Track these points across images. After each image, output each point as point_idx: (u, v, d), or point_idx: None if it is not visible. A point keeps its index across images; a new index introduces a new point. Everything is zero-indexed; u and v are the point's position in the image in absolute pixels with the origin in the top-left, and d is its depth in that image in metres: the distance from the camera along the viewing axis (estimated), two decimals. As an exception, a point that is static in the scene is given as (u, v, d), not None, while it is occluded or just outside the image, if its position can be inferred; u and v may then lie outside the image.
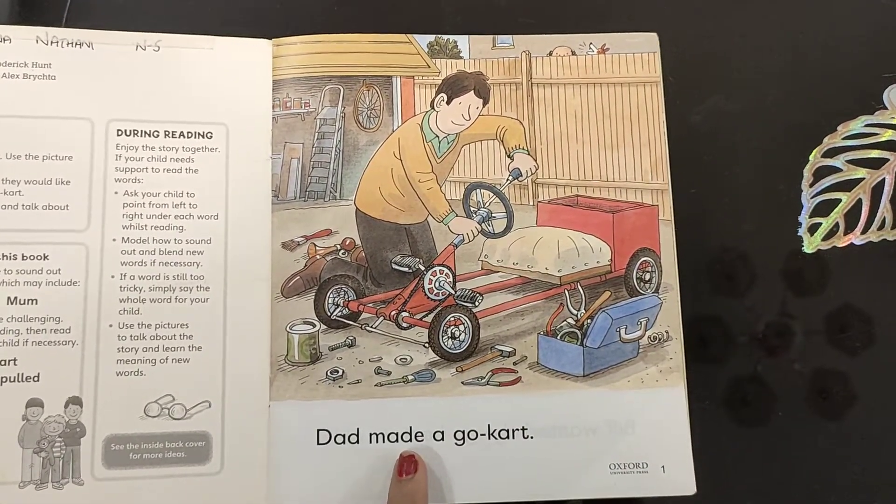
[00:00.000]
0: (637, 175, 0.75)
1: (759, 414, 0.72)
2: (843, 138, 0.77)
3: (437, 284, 0.74)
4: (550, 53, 0.77)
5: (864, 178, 0.76)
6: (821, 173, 0.76)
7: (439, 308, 0.73)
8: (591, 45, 0.77)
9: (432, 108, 0.76)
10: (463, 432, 0.69)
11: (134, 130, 0.72)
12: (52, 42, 0.72)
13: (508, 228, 0.76)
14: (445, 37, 0.77)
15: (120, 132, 0.71)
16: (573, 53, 0.77)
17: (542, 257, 0.75)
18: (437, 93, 0.76)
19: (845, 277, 0.75)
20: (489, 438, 0.69)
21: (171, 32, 0.74)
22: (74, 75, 0.72)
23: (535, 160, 0.75)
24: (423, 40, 0.76)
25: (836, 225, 0.75)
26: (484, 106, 0.76)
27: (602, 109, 0.76)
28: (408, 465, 0.68)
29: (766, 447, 0.72)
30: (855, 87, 0.78)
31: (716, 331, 0.73)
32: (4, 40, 0.71)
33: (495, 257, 0.75)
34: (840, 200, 0.76)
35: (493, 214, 0.75)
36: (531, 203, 0.76)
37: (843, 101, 0.78)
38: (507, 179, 0.76)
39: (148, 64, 0.73)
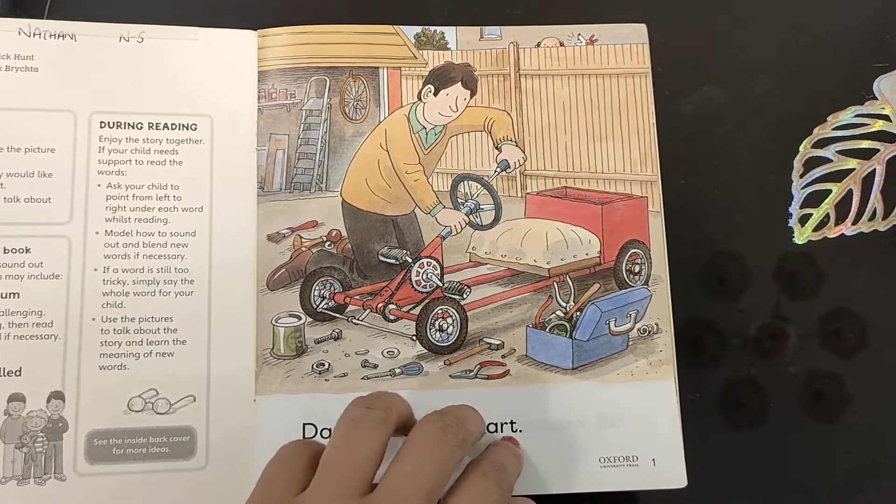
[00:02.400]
0: (626, 166, 0.74)
1: (751, 409, 0.72)
2: (834, 129, 0.76)
3: (424, 276, 0.73)
4: (538, 44, 0.77)
5: (854, 169, 0.76)
6: (811, 164, 0.76)
7: (427, 300, 0.72)
8: (580, 36, 0.77)
9: (419, 99, 0.75)
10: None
11: (117, 122, 0.71)
12: (34, 34, 0.71)
13: (496, 220, 0.75)
14: (432, 28, 0.76)
15: (103, 124, 0.71)
16: (561, 44, 0.77)
17: (531, 249, 0.75)
18: (424, 84, 0.75)
19: (836, 269, 0.74)
20: None
21: (155, 24, 0.73)
22: (57, 67, 0.71)
23: (524, 152, 0.75)
24: (410, 31, 0.76)
25: (827, 216, 0.75)
26: (471, 97, 0.76)
27: (590, 101, 0.76)
28: (514, 441, 0.68)
29: (759, 443, 0.72)
30: (845, 78, 0.78)
31: (704, 325, 0.73)
32: (-14, 32, 0.71)
33: (483, 249, 0.75)
34: (831, 191, 0.75)
35: (481, 206, 0.75)
36: (519, 195, 0.75)
37: (833, 92, 0.77)
38: (495, 171, 0.75)
39: (131, 55, 0.72)
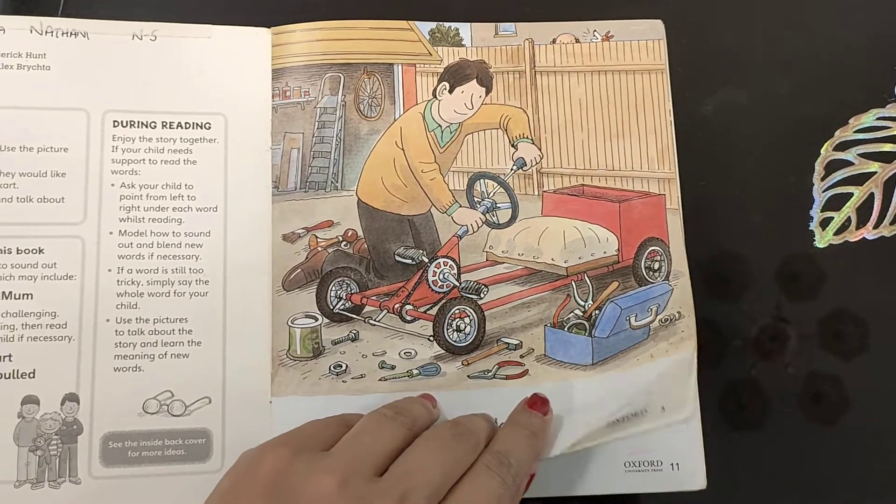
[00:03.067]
0: (643, 164, 0.74)
1: (756, 411, 0.71)
2: (855, 131, 0.75)
3: (441, 276, 0.72)
4: (554, 41, 0.76)
5: (876, 172, 0.75)
6: (832, 167, 0.75)
7: (444, 300, 0.72)
8: (596, 33, 0.76)
9: (434, 96, 0.74)
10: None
11: (130, 121, 0.70)
12: (46, 32, 0.71)
13: (513, 219, 0.74)
14: (447, 24, 0.75)
15: (116, 123, 0.70)
16: (577, 41, 0.76)
17: (548, 248, 0.74)
18: (440, 81, 0.75)
19: (859, 273, 0.74)
20: None
21: (169, 21, 0.72)
22: (70, 66, 0.70)
23: (540, 149, 0.74)
24: (425, 27, 0.75)
25: (848, 219, 0.74)
26: (487, 95, 0.75)
27: (607, 97, 0.75)
28: (540, 404, 0.66)
29: (759, 445, 0.71)
30: (866, 80, 0.77)
31: (720, 332, 0.72)
32: (-2, 30, 0.70)
33: (500, 248, 0.74)
34: (852, 194, 0.74)
35: (498, 205, 0.74)
36: (536, 193, 0.74)
37: (855, 94, 0.77)
38: (512, 169, 0.74)
39: (144, 54, 0.72)
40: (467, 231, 0.73)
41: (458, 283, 0.72)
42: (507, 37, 0.76)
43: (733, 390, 0.71)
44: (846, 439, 0.71)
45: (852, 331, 0.72)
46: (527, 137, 0.74)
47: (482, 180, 0.74)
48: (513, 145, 0.74)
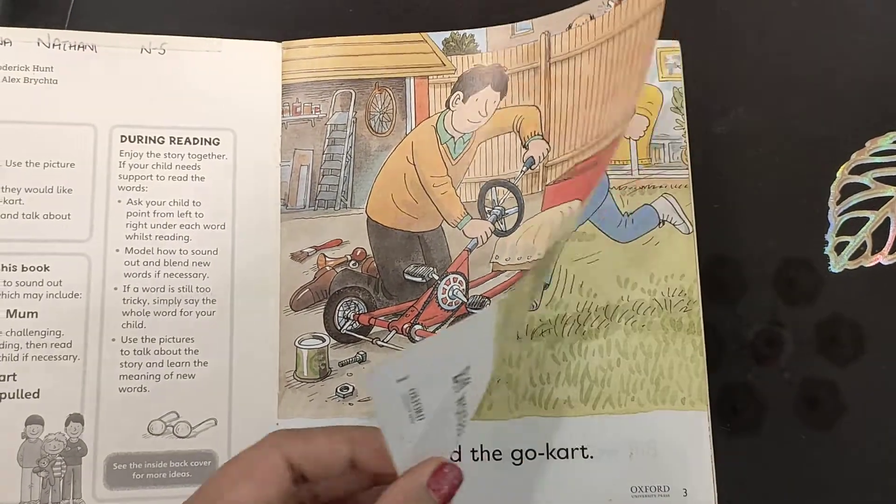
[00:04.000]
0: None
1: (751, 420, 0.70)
2: (871, 155, 0.74)
3: (450, 294, 0.71)
4: (570, 27, 0.73)
5: (892, 197, 0.73)
6: (848, 190, 0.74)
7: (452, 319, 0.71)
8: (609, 2, 0.72)
9: (448, 107, 0.73)
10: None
11: (138, 136, 0.70)
12: (54, 45, 0.70)
13: (519, 223, 0.73)
14: (462, 32, 0.74)
15: (124, 138, 0.69)
16: (591, 18, 0.73)
17: (542, 244, 0.72)
18: (453, 91, 0.73)
19: (873, 297, 0.72)
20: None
21: (178, 35, 0.71)
22: (77, 79, 0.70)
23: (548, 143, 0.72)
24: (439, 37, 0.74)
25: (864, 244, 0.73)
26: (501, 99, 0.74)
27: (610, 65, 0.71)
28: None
29: (759, 452, 0.70)
30: (883, 103, 0.76)
31: (732, 355, 0.71)
32: (4, 43, 0.69)
33: (504, 256, 0.72)
34: (868, 219, 0.73)
35: (506, 210, 0.73)
36: (540, 189, 0.73)
37: (871, 117, 0.75)
38: (521, 171, 0.73)
39: (153, 67, 0.71)
40: (477, 243, 0.72)
41: (465, 300, 0.71)
42: (524, 35, 0.74)
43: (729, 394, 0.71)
44: (843, 443, 0.70)
45: (848, 336, 0.71)
46: (538, 135, 0.73)
47: (493, 188, 0.73)
48: (524, 146, 0.73)
